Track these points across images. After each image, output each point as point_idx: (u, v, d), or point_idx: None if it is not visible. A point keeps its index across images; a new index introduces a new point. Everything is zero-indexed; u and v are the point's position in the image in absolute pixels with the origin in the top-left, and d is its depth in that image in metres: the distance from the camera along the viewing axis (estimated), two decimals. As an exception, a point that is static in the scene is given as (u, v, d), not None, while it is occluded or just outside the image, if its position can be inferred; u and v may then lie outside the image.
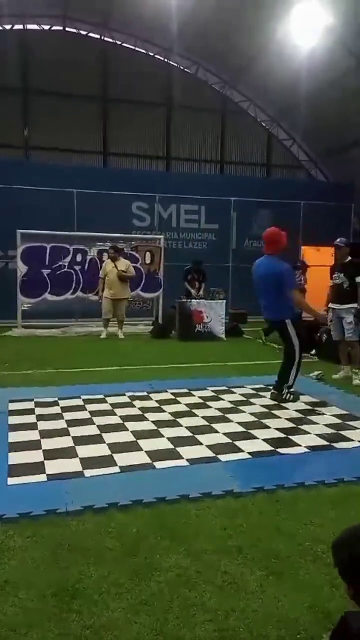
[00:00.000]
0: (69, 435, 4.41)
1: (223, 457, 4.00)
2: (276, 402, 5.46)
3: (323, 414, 5.16)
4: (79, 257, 10.87)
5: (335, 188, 16.80)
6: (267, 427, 4.73)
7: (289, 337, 5.50)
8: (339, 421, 4.93)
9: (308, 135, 18.42)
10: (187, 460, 3.93)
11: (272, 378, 5.76)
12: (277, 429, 4.66)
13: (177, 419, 4.88)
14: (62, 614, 2.24)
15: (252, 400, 5.63)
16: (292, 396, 5.52)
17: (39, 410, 5.08)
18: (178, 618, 2.22)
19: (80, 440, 4.27)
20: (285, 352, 5.66)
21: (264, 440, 4.38)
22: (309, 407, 5.39)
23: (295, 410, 5.24)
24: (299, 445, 4.28)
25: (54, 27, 16.74)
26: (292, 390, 5.55)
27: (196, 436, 4.43)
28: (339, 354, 6.92)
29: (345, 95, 14.91)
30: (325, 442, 4.36)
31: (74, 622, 2.19)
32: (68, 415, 4.93)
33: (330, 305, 6.84)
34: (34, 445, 4.18)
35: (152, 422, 4.80)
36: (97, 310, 10.57)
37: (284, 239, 5.49)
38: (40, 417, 4.87)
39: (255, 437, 4.44)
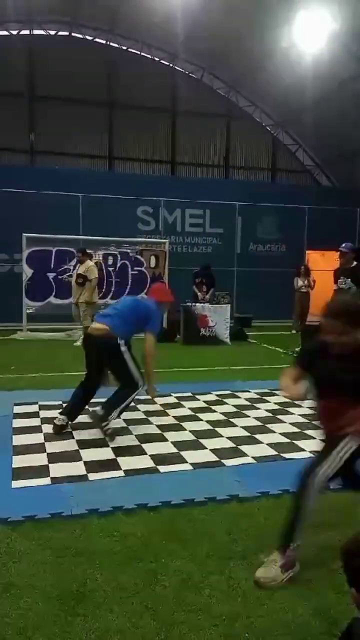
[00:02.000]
0: (74, 438, 4.41)
1: (228, 462, 3.98)
2: (281, 407, 5.43)
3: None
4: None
5: (340, 193, 16.82)
6: (272, 431, 4.71)
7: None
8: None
9: (313, 140, 18.45)
10: (192, 464, 3.92)
11: (277, 383, 5.67)
12: (282, 434, 4.64)
13: (182, 423, 4.87)
14: (66, 617, 2.23)
15: (256, 404, 5.61)
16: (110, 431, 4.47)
17: (43, 414, 5.08)
18: (183, 623, 2.21)
19: (84, 444, 4.27)
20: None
21: (269, 444, 4.36)
22: (313, 412, 5.35)
23: (300, 415, 5.22)
24: (304, 450, 4.27)
25: (60, 33, 16.87)
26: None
27: (200, 440, 4.42)
28: None
29: (350, 100, 14.93)
30: (330, 447, 4.34)
31: (79, 626, 2.18)
32: (73, 419, 4.92)
33: None
34: (38, 448, 4.18)
35: (157, 426, 4.79)
36: (96, 314, 10.56)
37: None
38: (45, 421, 4.87)
39: (260, 442, 4.43)
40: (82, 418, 4.96)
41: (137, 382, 4.54)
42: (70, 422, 4.56)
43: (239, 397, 5.88)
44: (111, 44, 17.25)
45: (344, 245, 6.90)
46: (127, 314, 4.59)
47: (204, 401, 5.68)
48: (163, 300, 5.05)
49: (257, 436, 4.57)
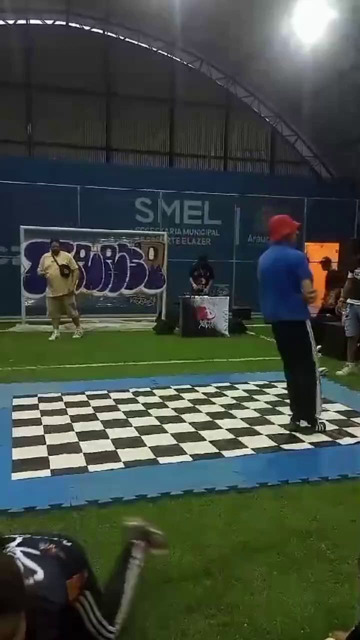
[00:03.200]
0: (73, 430, 4.42)
1: (227, 453, 4.00)
2: (280, 399, 5.44)
3: (327, 410, 5.14)
4: (82, 253, 10.87)
5: (339, 184, 16.75)
6: (271, 423, 4.73)
7: (309, 344, 4.35)
8: (343, 417, 4.92)
9: (312, 131, 18.34)
10: (191, 455, 3.93)
11: (276, 374, 5.70)
12: (281, 425, 4.65)
13: (181, 415, 4.88)
14: (67, 608, 2.25)
15: (255, 396, 5.63)
16: (323, 426, 4.50)
17: (43, 406, 5.09)
18: (182, 612, 2.23)
19: (84, 436, 4.28)
20: (303, 366, 4.42)
21: (268, 436, 4.38)
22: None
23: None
24: (303, 442, 4.28)
25: (57, 22, 16.69)
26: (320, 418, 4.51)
27: (200, 432, 4.44)
28: (347, 350, 6.89)
29: (349, 90, 14.82)
30: (329, 439, 4.36)
31: (79, 616, 2.19)
32: (72, 411, 4.94)
33: (349, 300, 6.76)
34: (38, 440, 4.19)
35: (156, 417, 4.80)
36: (99, 305, 10.60)
37: (293, 224, 4.48)
38: (44, 413, 4.88)
39: (259, 433, 4.44)
40: (81, 410, 4.98)
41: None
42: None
43: (238, 389, 5.89)
44: (109, 33, 17.08)
45: None
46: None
47: (203, 393, 5.69)
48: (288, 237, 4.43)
49: (256, 427, 4.58)
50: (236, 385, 6.03)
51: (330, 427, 4.60)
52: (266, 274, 4.40)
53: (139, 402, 5.28)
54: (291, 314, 4.30)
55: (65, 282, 9.50)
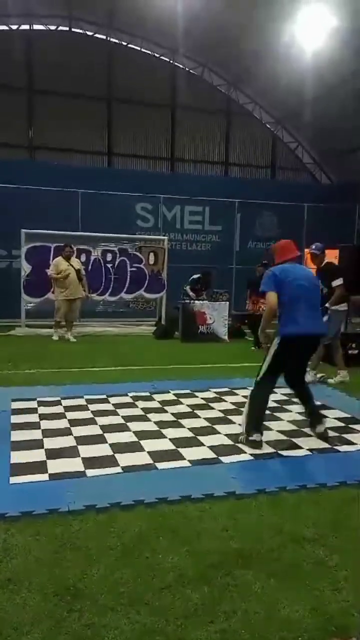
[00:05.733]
0: (72, 434, 4.41)
1: (225, 459, 3.99)
2: (279, 405, 5.44)
3: (326, 416, 5.14)
4: (82, 257, 10.87)
5: (339, 190, 16.78)
6: (270, 429, 4.71)
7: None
8: (342, 424, 4.92)
9: (313, 137, 18.43)
10: (189, 461, 3.93)
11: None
12: (280, 431, 4.66)
13: (180, 420, 4.88)
14: (63, 612, 2.24)
15: (254, 402, 5.61)
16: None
17: (41, 410, 5.09)
18: (179, 619, 2.22)
19: (82, 440, 4.28)
20: (301, 373, 4.79)
21: (266, 442, 4.36)
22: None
23: (298, 413, 5.22)
24: (301, 448, 4.28)
25: (60, 28, 16.80)
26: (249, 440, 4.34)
27: (198, 437, 4.43)
28: (332, 358, 6.80)
29: (350, 97, 14.91)
30: (327, 445, 4.35)
31: (75, 621, 2.19)
32: (71, 415, 4.94)
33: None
34: (36, 444, 4.18)
35: (155, 422, 4.80)
36: (99, 310, 10.58)
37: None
38: (43, 417, 4.88)
39: (257, 439, 4.43)
40: (80, 414, 4.97)
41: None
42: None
43: (237, 395, 5.88)
44: (111, 39, 17.18)
45: (314, 246, 6.80)
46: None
47: (203, 398, 5.69)
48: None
49: (255, 433, 4.57)
50: (235, 391, 6.02)
51: (329, 433, 4.60)
52: (303, 289, 4.36)
53: (137, 407, 5.27)
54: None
55: (80, 286, 9.78)
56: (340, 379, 6.71)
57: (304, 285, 4.34)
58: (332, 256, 9.40)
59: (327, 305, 6.43)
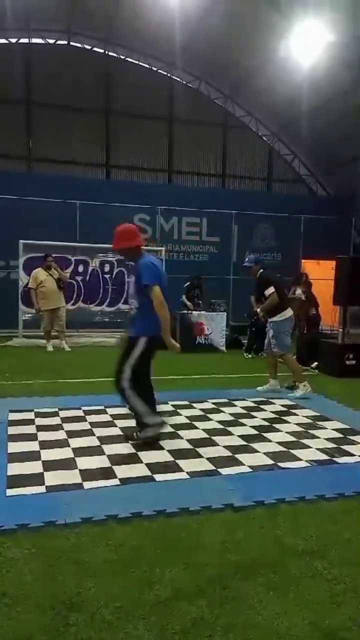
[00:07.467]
0: (69, 446, 4.38)
1: (223, 471, 3.97)
2: (277, 416, 5.43)
3: (325, 427, 5.13)
4: (80, 268, 10.92)
5: (335, 202, 16.92)
6: (269, 440, 4.70)
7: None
8: (340, 435, 4.91)
9: (309, 150, 18.59)
10: (187, 473, 3.90)
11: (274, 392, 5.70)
12: (279, 443, 4.63)
13: (178, 431, 4.86)
14: (59, 627, 2.21)
15: (253, 413, 5.60)
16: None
17: (39, 421, 5.06)
18: (177, 633, 2.19)
19: (80, 452, 4.25)
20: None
21: (265, 453, 4.35)
22: (310, 421, 5.36)
23: (297, 424, 5.22)
24: (300, 460, 4.26)
25: (59, 42, 16.98)
26: (149, 430, 4.45)
27: (196, 449, 4.41)
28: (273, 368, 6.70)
29: (345, 110, 15.07)
30: (326, 457, 4.34)
31: (71, 636, 2.16)
32: (68, 426, 4.91)
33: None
34: (33, 456, 4.15)
35: (152, 434, 4.77)
36: (96, 320, 10.56)
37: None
38: (40, 428, 4.85)
39: (256, 451, 4.41)
40: (78, 426, 4.95)
41: None
42: None
43: (235, 406, 5.87)
44: (109, 53, 17.37)
45: (247, 259, 6.80)
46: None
47: (201, 409, 5.67)
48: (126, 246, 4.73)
49: (254, 445, 4.56)
50: (234, 402, 6.01)
51: (328, 444, 4.58)
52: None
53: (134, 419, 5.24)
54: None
55: (62, 296, 9.68)
56: (301, 392, 6.33)
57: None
58: (328, 267, 9.44)
59: (257, 309, 6.49)
